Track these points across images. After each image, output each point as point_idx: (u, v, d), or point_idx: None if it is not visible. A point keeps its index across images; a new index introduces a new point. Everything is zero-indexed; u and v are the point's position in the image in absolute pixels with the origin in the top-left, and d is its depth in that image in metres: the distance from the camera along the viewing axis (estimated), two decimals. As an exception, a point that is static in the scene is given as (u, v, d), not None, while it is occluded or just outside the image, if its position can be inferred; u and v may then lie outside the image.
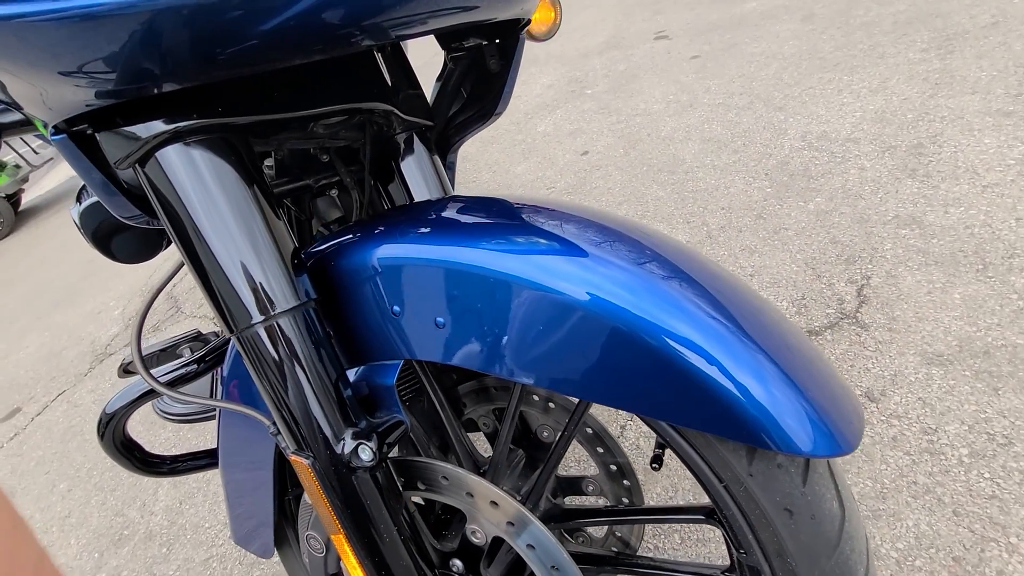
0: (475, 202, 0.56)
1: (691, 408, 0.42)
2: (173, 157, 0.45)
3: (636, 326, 0.42)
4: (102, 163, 0.47)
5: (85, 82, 0.38)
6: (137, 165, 0.46)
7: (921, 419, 1.12)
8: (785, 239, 1.70)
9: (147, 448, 0.85)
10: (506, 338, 0.46)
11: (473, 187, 2.76)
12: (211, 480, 1.66)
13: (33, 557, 0.26)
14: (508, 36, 0.68)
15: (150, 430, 2.01)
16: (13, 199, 6.91)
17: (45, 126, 0.45)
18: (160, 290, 0.66)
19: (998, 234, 1.43)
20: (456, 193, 0.68)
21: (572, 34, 4.37)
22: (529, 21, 0.65)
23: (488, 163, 2.93)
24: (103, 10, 0.32)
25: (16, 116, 0.54)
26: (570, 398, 0.75)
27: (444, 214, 0.54)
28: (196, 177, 0.46)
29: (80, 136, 0.45)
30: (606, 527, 0.82)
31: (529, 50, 4.21)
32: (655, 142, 2.49)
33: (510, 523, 0.54)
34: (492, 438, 0.89)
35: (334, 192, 0.82)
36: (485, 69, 0.72)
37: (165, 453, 0.86)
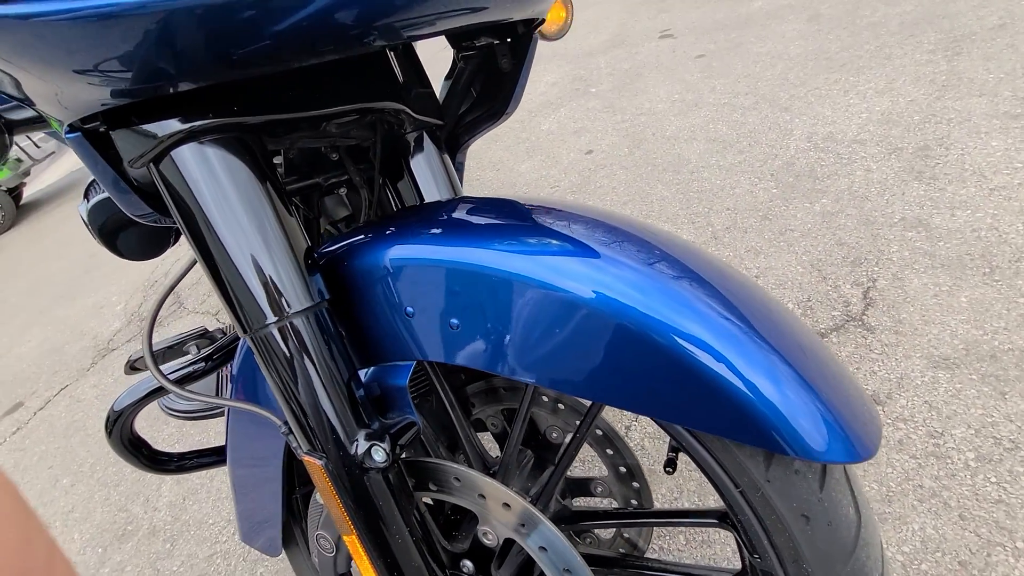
0: (487, 203, 0.56)
1: (709, 413, 0.42)
2: (188, 156, 0.45)
3: (652, 328, 0.41)
4: (114, 161, 0.47)
5: (101, 81, 0.38)
6: (152, 164, 0.46)
7: (927, 422, 1.12)
8: (791, 240, 1.69)
9: (153, 445, 0.84)
10: (522, 340, 0.45)
11: (476, 185, 2.75)
12: (214, 476, 1.66)
13: (45, 549, 0.26)
14: (521, 35, 0.67)
15: (152, 426, 2.01)
16: (15, 193, 6.91)
17: (60, 124, 0.45)
18: (172, 288, 0.66)
19: (1005, 237, 1.42)
20: (465, 194, 0.68)
21: (576, 32, 4.35)
22: (543, 20, 0.65)
23: (492, 161, 2.93)
24: (118, 10, 0.33)
25: (28, 113, 0.54)
26: (581, 399, 0.74)
27: (458, 215, 0.54)
28: (211, 176, 0.45)
29: (93, 134, 0.45)
30: (613, 529, 0.82)
31: (533, 48, 4.19)
32: (660, 141, 2.49)
33: (522, 525, 0.54)
34: (499, 438, 0.89)
35: (342, 191, 0.82)
36: (496, 68, 0.72)
37: (171, 450, 0.86)
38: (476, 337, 0.47)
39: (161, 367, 0.74)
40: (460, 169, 0.87)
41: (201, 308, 2.69)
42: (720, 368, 0.41)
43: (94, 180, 0.76)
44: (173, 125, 0.44)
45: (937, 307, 1.33)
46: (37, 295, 3.89)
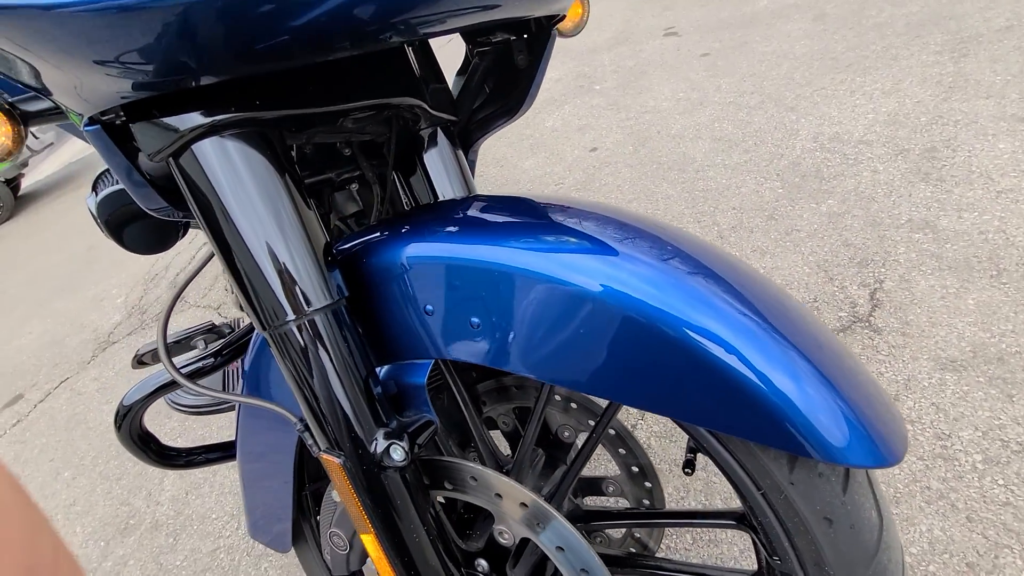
0: (503, 201, 0.55)
1: (733, 415, 0.41)
2: (209, 150, 0.45)
3: (674, 326, 0.41)
4: (131, 154, 0.47)
5: (121, 73, 0.37)
6: (171, 158, 0.45)
7: (935, 424, 1.12)
8: (797, 240, 1.69)
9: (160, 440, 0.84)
10: (545, 340, 0.45)
11: (480, 181, 2.74)
12: (217, 471, 1.66)
13: (50, 545, 0.26)
14: (539, 31, 0.67)
15: (155, 420, 2.00)
16: (13, 184, 6.87)
17: (79, 116, 0.44)
18: (187, 284, 0.65)
19: (1012, 240, 1.42)
20: (478, 192, 0.67)
21: (580, 29, 4.33)
22: (564, 17, 0.64)
23: (496, 158, 2.92)
24: (139, 2, 0.32)
25: (43, 104, 0.53)
26: (594, 398, 0.74)
27: (475, 213, 0.53)
28: (232, 171, 0.45)
29: (111, 127, 0.45)
30: (624, 528, 0.82)
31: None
32: (665, 140, 2.48)
33: (540, 524, 0.54)
34: (510, 436, 0.89)
35: (353, 186, 0.82)
36: (510, 64, 0.71)
37: (180, 446, 0.86)
38: (497, 336, 0.47)
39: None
40: (471, 167, 0.86)
41: (203, 302, 2.68)
42: (745, 370, 0.40)
43: (103, 173, 0.76)
44: (194, 119, 0.43)
45: (944, 309, 1.32)
46: (36, 287, 3.87)
